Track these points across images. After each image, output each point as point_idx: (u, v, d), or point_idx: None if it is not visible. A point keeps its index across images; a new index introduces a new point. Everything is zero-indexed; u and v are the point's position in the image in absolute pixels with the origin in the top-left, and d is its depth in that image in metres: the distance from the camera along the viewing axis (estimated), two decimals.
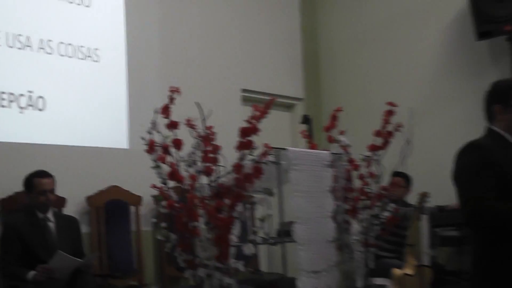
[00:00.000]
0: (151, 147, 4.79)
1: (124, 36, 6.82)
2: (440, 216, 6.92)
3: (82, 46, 6.48)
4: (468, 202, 3.34)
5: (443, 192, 6.62)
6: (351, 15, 8.68)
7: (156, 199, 5.18)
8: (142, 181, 5.32)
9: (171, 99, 4.81)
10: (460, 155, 3.47)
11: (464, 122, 7.26)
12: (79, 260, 5.20)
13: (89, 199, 6.20)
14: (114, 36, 6.76)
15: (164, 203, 4.79)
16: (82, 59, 6.47)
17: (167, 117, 4.80)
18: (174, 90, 4.78)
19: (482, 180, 3.30)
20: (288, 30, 8.68)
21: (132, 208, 6.48)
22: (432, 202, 6.78)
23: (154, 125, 4.80)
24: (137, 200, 6.49)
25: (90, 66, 6.52)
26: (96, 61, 6.57)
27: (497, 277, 3.33)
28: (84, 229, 5.96)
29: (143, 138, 4.80)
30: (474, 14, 7.14)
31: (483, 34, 7.15)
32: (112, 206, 6.31)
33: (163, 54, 7.10)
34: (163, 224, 4.97)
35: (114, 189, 6.38)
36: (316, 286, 5.13)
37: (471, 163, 3.38)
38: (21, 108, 6.02)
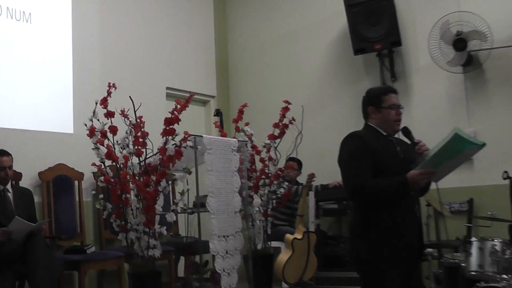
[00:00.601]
0: (91, 132, 4.75)
1: (70, 38, 6.60)
2: (323, 192, 6.98)
3: (35, 48, 6.25)
4: (350, 179, 3.43)
5: (326, 174, 6.72)
6: (255, 29, 8.65)
7: (96, 175, 5.05)
8: (84, 160, 5.23)
9: (109, 93, 4.77)
10: (344, 142, 3.55)
11: (343, 118, 7.35)
12: (33, 224, 5.05)
13: (41, 174, 6.02)
14: (62, 39, 6.54)
15: (102, 178, 4.73)
16: (35, 59, 6.23)
17: (105, 108, 4.76)
18: (111, 86, 4.75)
19: (361, 162, 3.40)
20: (205, 39, 8.58)
21: (76, 183, 6.32)
22: (318, 182, 6.83)
23: (94, 114, 4.76)
24: (80, 176, 6.33)
25: (42, 65, 6.29)
26: (48, 61, 6.35)
27: (369, 239, 3.41)
28: (37, 199, 5.79)
29: (85, 125, 4.77)
30: (352, 34, 7.20)
31: (359, 50, 7.22)
32: (59, 180, 6.15)
33: (103, 55, 6.93)
34: (101, 196, 4.93)
35: (61, 166, 6.21)
36: (225, 248, 5.12)
37: (353, 149, 3.47)
38: None
